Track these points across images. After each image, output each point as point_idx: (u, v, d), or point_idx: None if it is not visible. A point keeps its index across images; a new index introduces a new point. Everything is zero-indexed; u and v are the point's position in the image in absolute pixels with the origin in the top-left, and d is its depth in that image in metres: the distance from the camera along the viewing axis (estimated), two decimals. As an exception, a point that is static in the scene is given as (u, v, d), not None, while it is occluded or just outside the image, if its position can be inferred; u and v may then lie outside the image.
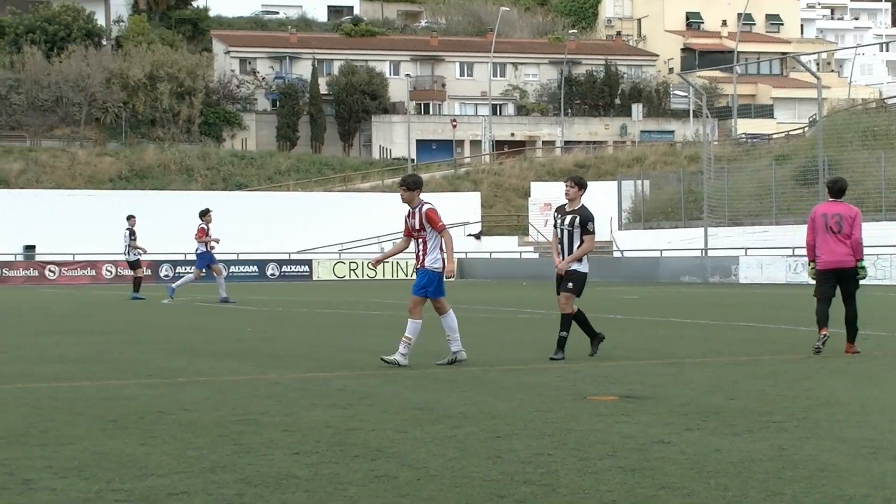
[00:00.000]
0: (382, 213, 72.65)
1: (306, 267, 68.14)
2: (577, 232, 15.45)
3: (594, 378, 13.52)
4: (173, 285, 36.19)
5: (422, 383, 13.16)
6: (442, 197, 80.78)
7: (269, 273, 66.75)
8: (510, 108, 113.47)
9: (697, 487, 7.37)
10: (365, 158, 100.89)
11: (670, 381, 13.23)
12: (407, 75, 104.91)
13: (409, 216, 14.94)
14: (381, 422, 10.18)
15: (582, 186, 15.64)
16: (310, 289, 51.97)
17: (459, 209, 79.16)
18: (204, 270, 34.94)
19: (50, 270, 62.08)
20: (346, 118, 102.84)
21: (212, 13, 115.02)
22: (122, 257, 32.20)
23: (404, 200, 14.91)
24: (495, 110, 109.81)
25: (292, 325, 24.56)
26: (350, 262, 68.34)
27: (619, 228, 68.79)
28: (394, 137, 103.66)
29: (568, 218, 15.57)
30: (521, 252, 72.89)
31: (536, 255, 70.20)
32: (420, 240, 14.90)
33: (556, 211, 15.98)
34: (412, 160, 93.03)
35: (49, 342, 19.53)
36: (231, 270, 64.97)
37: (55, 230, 65.52)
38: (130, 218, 37.24)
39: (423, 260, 14.92)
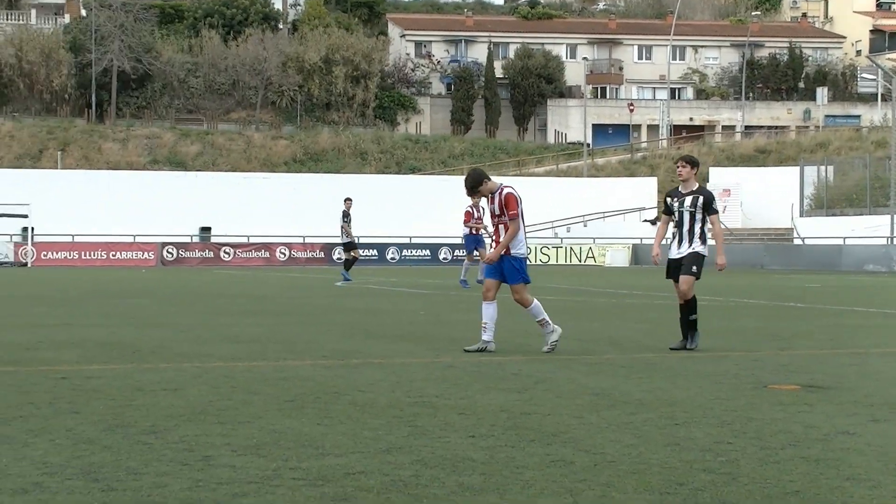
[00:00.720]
0: (556, 197, 72.50)
1: (479, 251, 68.40)
2: (698, 214, 14.78)
3: (774, 367, 13.30)
4: (463, 276, 35.55)
5: (597, 369, 13.11)
6: (617, 182, 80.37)
7: (441, 257, 67.18)
8: (689, 92, 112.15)
9: (885, 480, 7.19)
10: (539, 143, 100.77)
11: (854, 371, 12.94)
12: (584, 59, 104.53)
13: (489, 202, 14.80)
14: (557, 406, 10.16)
15: (695, 165, 14.95)
16: (483, 274, 52.04)
17: (635, 194, 78.61)
18: (475, 253, 33.70)
19: (225, 252, 63.43)
20: (521, 102, 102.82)
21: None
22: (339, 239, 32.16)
23: (475, 202, 14.98)
24: (674, 94, 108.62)
25: (465, 309, 24.65)
26: (523, 248, 68.42)
27: (801, 215, 67.48)
28: (569, 121, 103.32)
29: (688, 199, 14.83)
30: (698, 239, 72.04)
31: (712, 242, 69.34)
32: (501, 225, 14.64)
33: (668, 195, 15.25)
34: (587, 144, 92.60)
35: (225, 322, 19.96)
36: (403, 254, 65.57)
37: (230, 212, 66.97)
38: (347, 200, 37.38)
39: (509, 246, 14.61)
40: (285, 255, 63.53)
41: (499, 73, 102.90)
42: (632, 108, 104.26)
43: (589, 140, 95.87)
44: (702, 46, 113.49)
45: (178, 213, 66.87)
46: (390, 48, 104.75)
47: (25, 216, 62.31)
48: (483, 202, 25.07)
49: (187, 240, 64.64)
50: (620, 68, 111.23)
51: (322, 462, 7.65)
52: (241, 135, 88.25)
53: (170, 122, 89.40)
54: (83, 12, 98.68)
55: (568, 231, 73.79)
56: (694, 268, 14.80)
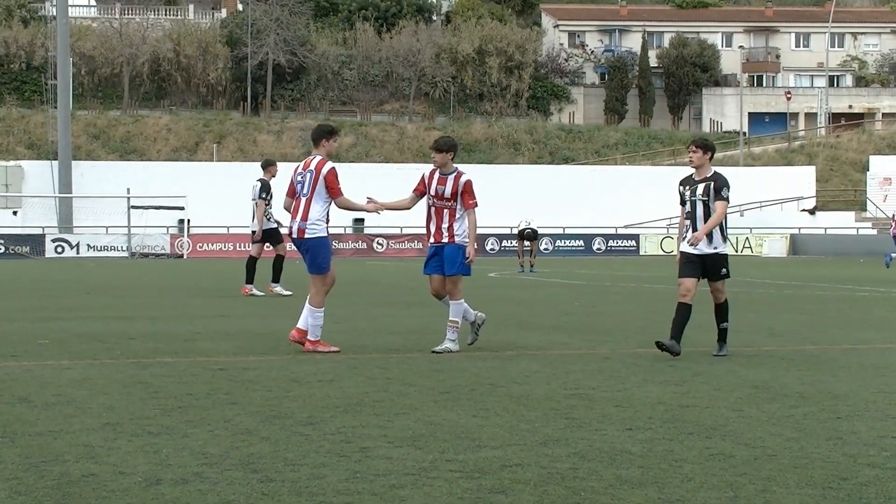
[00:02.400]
0: (712, 187, 71.51)
1: (633, 242, 67.93)
2: (712, 203, 13.29)
3: (943, 361, 12.95)
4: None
5: (756, 360, 12.90)
6: (774, 171, 79.09)
7: (595, 247, 66.86)
8: (848, 80, 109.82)
9: None
10: (695, 132, 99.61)
11: None
12: (740, 47, 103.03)
13: (438, 182, 13.61)
14: (715, 399, 10.02)
15: (709, 149, 13.43)
16: (637, 264, 51.74)
17: (793, 183, 77.30)
18: None
19: (378, 243, 64.00)
20: (675, 91, 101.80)
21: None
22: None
23: (438, 164, 13.59)
24: (832, 82, 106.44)
25: (621, 300, 24.49)
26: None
27: (967, 205, 65.71)
28: (725, 110, 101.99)
29: (700, 187, 13.31)
30: (857, 228, 70.56)
31: (874, 232, 67.83)
32: (446, 210, 13.59)
33: (681, 183, 13.64)
34: (744, 133, 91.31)
35: (380, 314, 20.10)
36: (557, 244, 65.39)
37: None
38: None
39: (452, 233, 13.60)
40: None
41: (653, 62, 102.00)
42: (789, 96, 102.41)
43: (745, 129, 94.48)
44: (861, 33, 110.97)
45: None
46: (544, 38, 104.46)
47: (182, 208, 63.60)
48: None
49: (340, 231, 65.31)
50: (777, 56, 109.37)
51: (478, 454, 7.63)
52: (395, 126, 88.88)
53: (324, 114, 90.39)
54: (239, 7, 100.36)
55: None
56: (724, 270, 13.34)
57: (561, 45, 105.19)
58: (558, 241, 66.39)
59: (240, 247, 61.91)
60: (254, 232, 25.07)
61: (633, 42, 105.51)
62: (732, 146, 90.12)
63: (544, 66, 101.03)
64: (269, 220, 25.05)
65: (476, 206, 13.58)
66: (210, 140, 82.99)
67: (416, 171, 70.23)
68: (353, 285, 30.96)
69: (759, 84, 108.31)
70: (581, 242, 67.02)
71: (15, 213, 66.56)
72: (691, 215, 13.33)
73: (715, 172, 13.37)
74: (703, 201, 13.20)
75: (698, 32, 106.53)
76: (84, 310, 20.89)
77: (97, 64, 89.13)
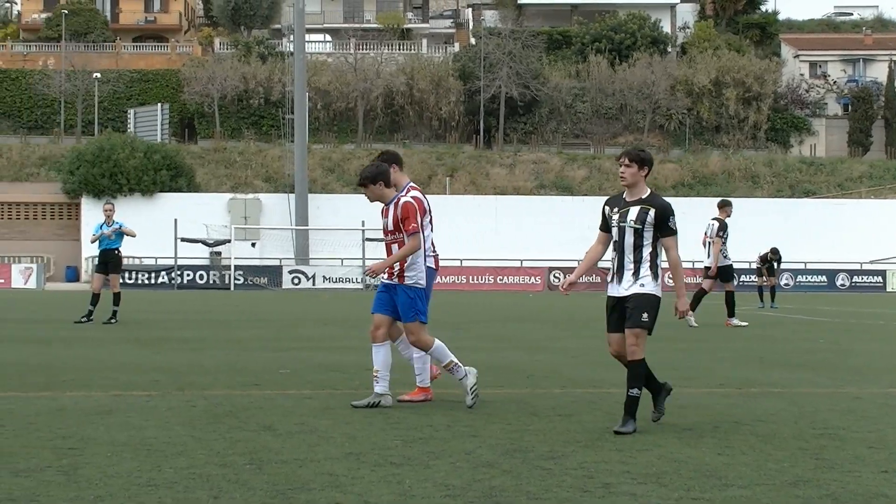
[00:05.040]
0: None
1: (879, 278, 66.08)
2: (647, 232, 10.30)
3: None
4: None
5: None
6: None
7: (838, 283, 65.27)
8: None
9: None
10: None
11: None
12: None
13: (382, 214, 12.07)
14: (977, 444, 9.64)
15: (644, 163, 10.38)
16: (884, 301, 50.26)
17: None
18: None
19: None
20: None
21: (781, 17, 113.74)
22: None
23: (371, 200, 12.02)
24: None
25: (868, 338, 23.82)
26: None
27: None
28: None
29: (634, 211, 10.34)
30: None
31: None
32: (395, 245, 11.91)
33: (606, 203, 10.65)
34: None
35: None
36: (798, 280, 64.06)
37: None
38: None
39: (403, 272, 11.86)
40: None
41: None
42: None
43: None
44: None
45: (564, 237, 67.58)
46: (783, 69, 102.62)
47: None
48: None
49: (574, 264, 65.21)
50: None
51: (726, 493, 7.51)
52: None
53: (556, 147, 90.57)
54: (472, 41, 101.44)
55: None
56: (644, 315, 10.15)
57: (801, 75, 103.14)
58: (800, 276, 65.03)
59: (473, 279, 62.35)
60: (707, 268, 27.02)
61: (878, 72, 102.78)
62: None
63: (784, 98, 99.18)
64: (725, 257, 26.87)
65: (416, 230, 11.71)
66: (443, 173, 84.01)
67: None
68: (587, 319, 30.83)
69: None
70: (824, 278, 65.51)
71: (254, 244, 68.59)
72: (619, 247, 10.37)
73: (652, 194, 10.46)
74: (636, 230, 10.27)
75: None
76: (322, 340, 21.34)
77: (332, 98, 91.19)
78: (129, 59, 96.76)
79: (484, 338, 22.79)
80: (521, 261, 64.27)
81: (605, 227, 10.46)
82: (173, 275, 62.24)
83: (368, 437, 9.70)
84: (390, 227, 11.82)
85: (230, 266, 62.72)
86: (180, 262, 62.29)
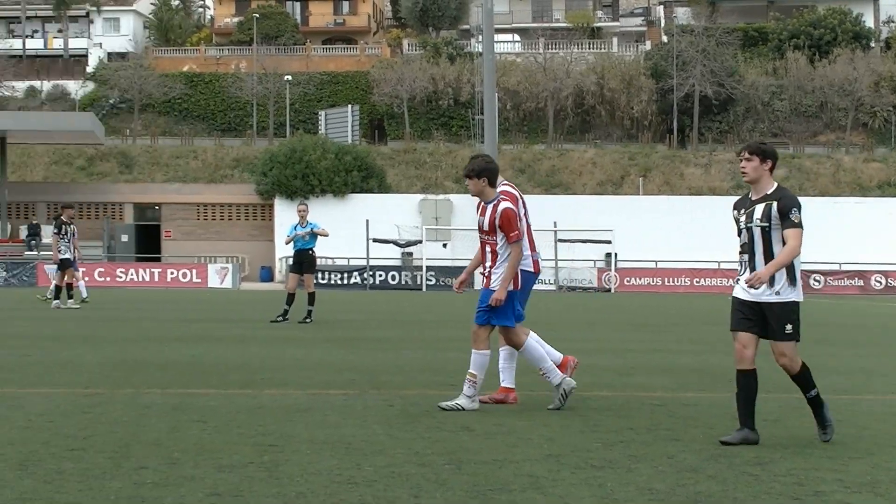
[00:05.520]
0: None
1: None
2: (775, 231, 9.59)
3: None
4: None
5: None
6: None
7: None
8: None
9: None
10: None
11: None
12: None
13: (478, 211, 11.85)
14: None
15: (766, 156, 9.80)
16: None
17: None
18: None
19: (815, 280, 62.37)
20: None
21: None
22: None
23: (472, 193, 11.78)
24: None
25: None
26: None
27: None
28: None
29: (759, 209, 9.67)
30: None
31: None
32: (488, 246, 11.66)
33: (734, 206, 10.05)
34: None
35: (822, 352, 19.48)
36: None
37: (820, 239, 65.84)
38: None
39: (491, 276, 11.56)
40: (881, 283, 61.60)
41: None
42: None
43: None
44: None
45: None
46: None
47: (609, 242, 64.15)
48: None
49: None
50: None
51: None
52: (830, 158, 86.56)
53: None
54: (664, 38, 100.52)
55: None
56: (789, 327, 9.51)
57: None
58: None
59: (668, 281, 61.87)
60: None
61: None
62: None
63: None
64: None
65: (518, 238, 11.46)
66: (635, 173, 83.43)
67: (854, 205, 66.91)
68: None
69: None
70: None
71: (445, 245, 69.03)
72: (748, 248, 9.76)
73: (778, 188, 9.80)
74: (762, 229, 9.63)
75: None
76: (515, 342, 21.31)
77: (522, 98, 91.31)
78: (319, 61, 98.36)
79: (683, 340, 22.53)
80: (719, 262, 63.35)
81: (740, 231, 9.81)
82: (365, 275, 63.01)
83: (567, 440, 9.63)
84: (485, 227, 11.59)
85: (422, 266, 63.23)
86: (372, 262, 63.04)
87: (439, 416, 11.02)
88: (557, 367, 11.88)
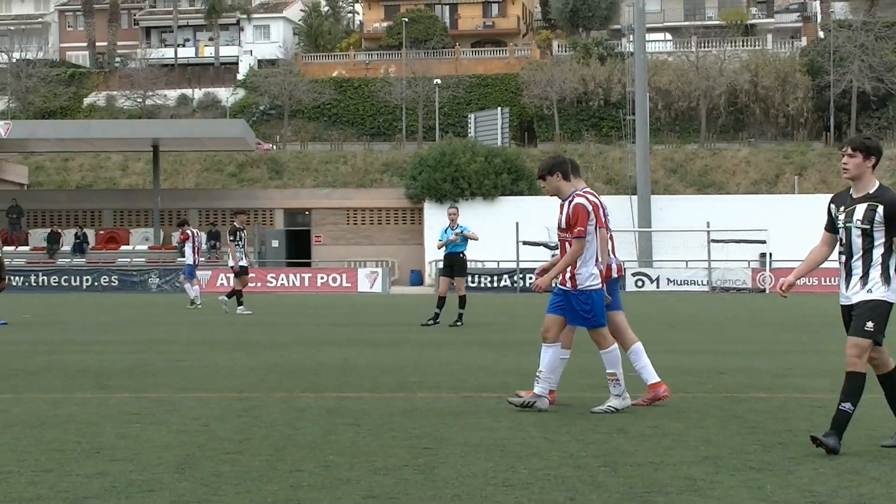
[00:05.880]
0: None
1: None
2: (876, 232, 9.20)
3: None
4: None
5: None
6: None
7: None
8: None
9: None
10: None
11: None
12: None
13: (560, 208, 11.77)
14: None
15: (870, 153, 9.38)
16: None
17: None
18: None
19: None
20: None
21: None
22: None
23: (550, 192, 11.77)
24: None
25: None
26: None
27: None
28: None
29: (860, 209, 9.29)
30: None
31: None
32: (567, 245, 11.59)
33: (831, 201, 9.71)
34: None
35: None
36: None
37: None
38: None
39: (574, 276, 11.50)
40: None
41: None
42: None
43: None
44: None
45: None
46: None
47: (763, 242, 63.32)
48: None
49: None
50: None
51: None
52: None
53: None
54: (820, 34, 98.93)
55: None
56: (870, 324, 9.10)
57: None
58: None
59: (825, 281, 60.84)
60: None
61: None
62: None
63: None
64: None
65: (583, 234, 11.43)
66: (791, 172, 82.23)
67: None
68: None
69: None
70: None
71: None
72: (845, 249, 9.40)
73: (880, 188, 9.44)
74: (862, 230, 9.27)
75: None
76: (669, 343, 21.17)
77: (673, 98, 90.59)
78: (468, 64, 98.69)
79: (842, 341, 22.10)
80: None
81: (831, 227, 9.50)
82: (515, 278, 63.05)
83: (725, 441, 9.56)
84: (562, 224, 11.59)
85: (571, 269, 63.16)
86: (522, 265, 63.04)
87: (593, 418, 11.02)
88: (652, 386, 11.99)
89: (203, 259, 46.15)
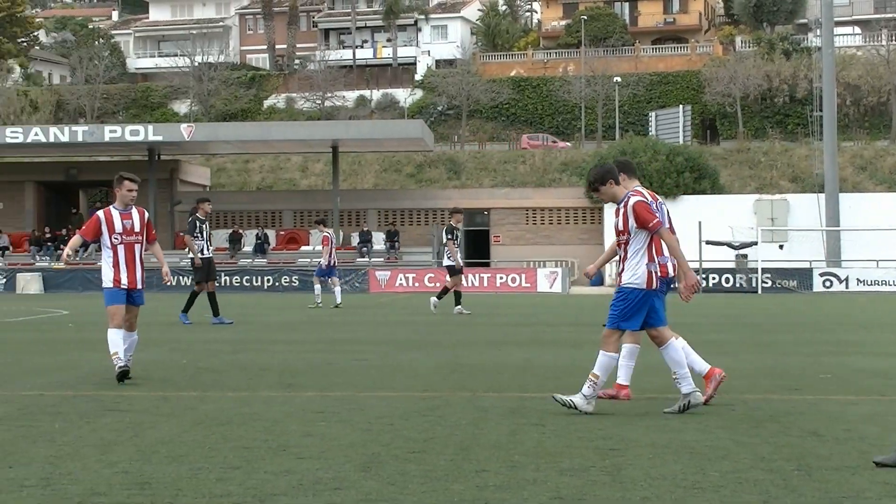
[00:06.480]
0: None
1: None
2: None
3: None
4: None
5: None
6: None
7: None
8: None
9: None
10: None
11: None
12: None
13: (615, 212, 11.70)
14: None
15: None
16: None
17: None
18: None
19: None
20: None
21: None
22: None
23: (607, 201, 11.77)
24: None
25: None
26: None
27: None
28: None
29: None
30: None
31: None
32: (622, 247, 11.55)
33: None
34: None
35: None
36: None
37: None
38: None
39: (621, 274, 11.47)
40: None
41: None
42: None
43: None
44: None
45: None
46: None
47: None
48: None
49: None
50: None
51: None
52: None
53: None
54: None
55: None
56: None
57: None
58: None
59: None
60: None
61: None
62: None
63: None
64: None
65: (659, 224, 11.38)
66: None
67: None
68: None
69: None
70: None
71: (781, 246, 67.70)
72: None
73: None
74: None
75: None
76: (862, 345, 20.74)
77: (863, 93, 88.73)
78: (648, 61, 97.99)
79: None
80: None
81: None
82: (699, 278, 62.36)
83: None
84: (620, 226, 11.53)
85: (757, 269, 62.11)
86: (705, 265, 62.28)
87: (784, 420, 10.80)
88: (703, 377, 11.88)
89: (383, 259, 46.52)
